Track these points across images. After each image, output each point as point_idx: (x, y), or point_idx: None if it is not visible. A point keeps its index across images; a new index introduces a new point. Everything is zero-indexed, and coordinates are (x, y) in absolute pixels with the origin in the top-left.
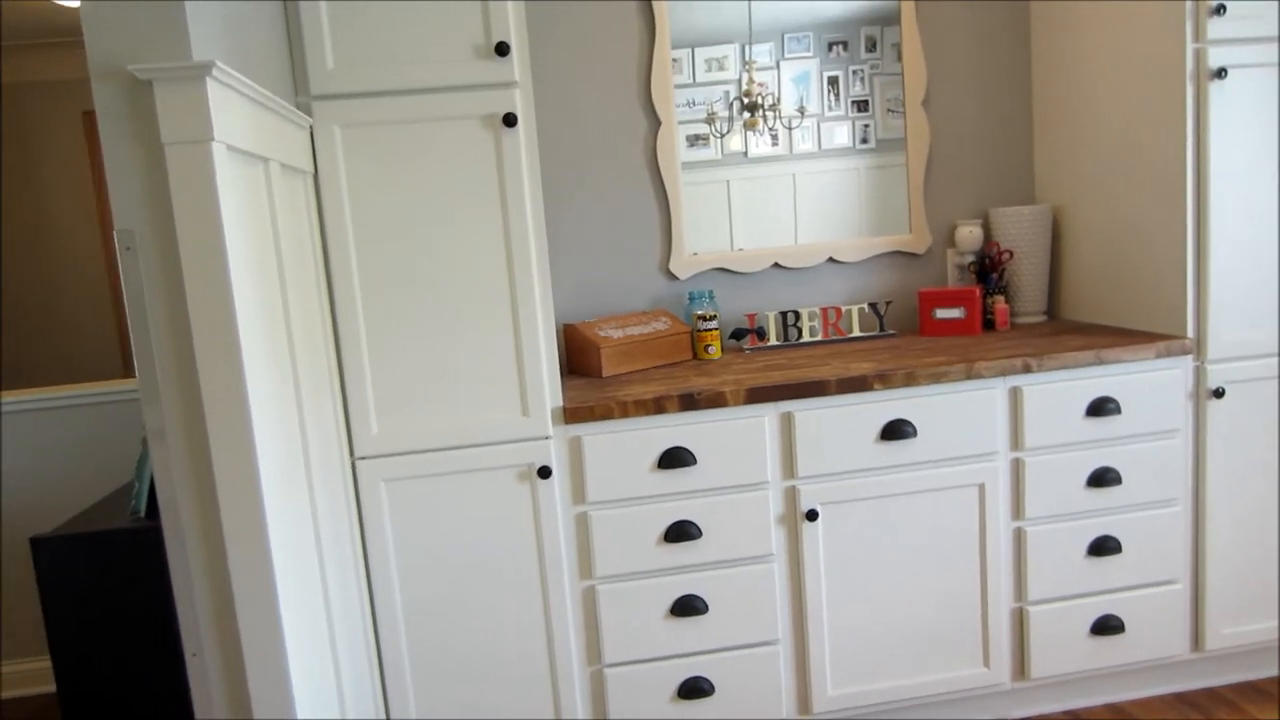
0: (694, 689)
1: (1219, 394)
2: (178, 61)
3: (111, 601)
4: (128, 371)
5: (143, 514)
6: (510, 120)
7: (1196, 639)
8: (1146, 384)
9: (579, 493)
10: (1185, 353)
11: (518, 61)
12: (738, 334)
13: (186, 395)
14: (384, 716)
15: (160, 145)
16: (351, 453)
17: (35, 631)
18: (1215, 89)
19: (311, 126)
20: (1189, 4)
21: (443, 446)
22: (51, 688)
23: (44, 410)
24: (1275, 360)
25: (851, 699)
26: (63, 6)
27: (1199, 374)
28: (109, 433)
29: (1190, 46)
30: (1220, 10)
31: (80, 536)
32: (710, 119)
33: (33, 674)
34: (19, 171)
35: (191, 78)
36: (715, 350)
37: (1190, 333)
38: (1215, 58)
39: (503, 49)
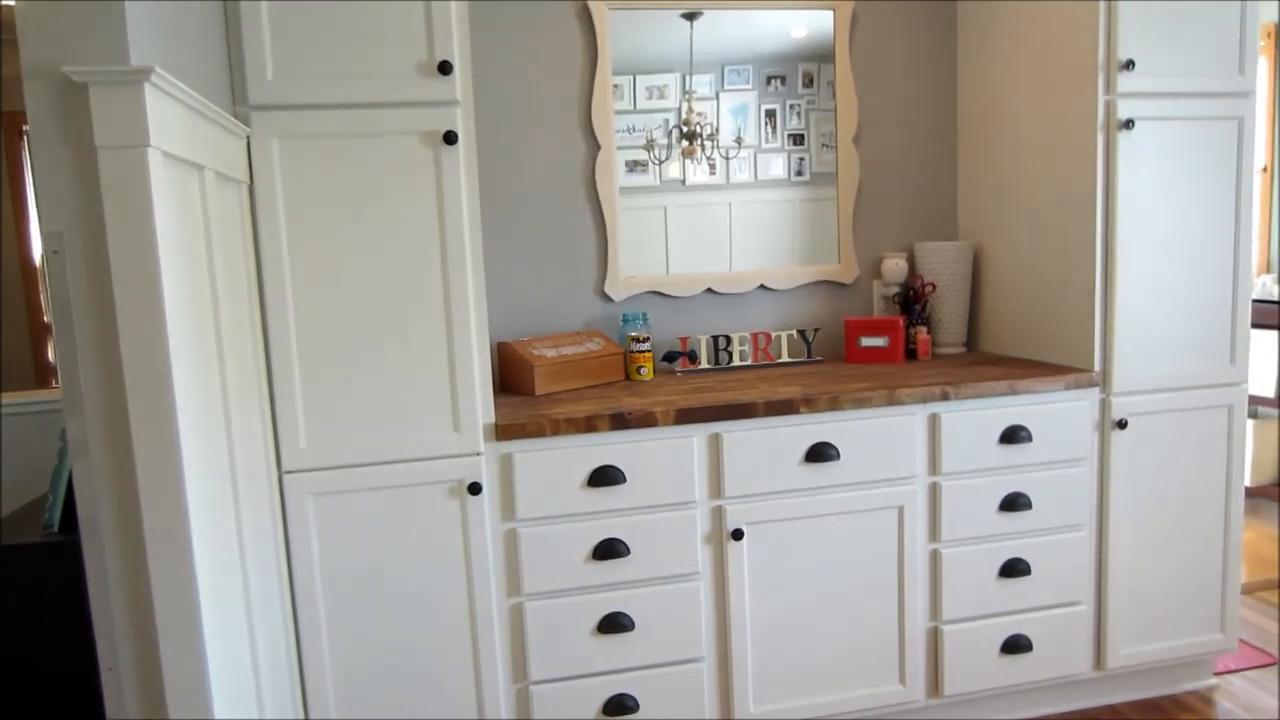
0: (619, 706)
1: (1122, 425)
2: (115, 65)
3: (22, 615)
4: (41, 382)
5: (56, 528)
6: (451, 138)
7: (1099, 658)
8: (1056, 414)
9: (508, 509)
10: (1092, 385)
11: (460, 80)
12: (670, 356)
13: (111, 406)
14: None
15: (93, 149)
16: (279, 466)
17: None
18: (1124, 139)
19: (249, 136)
20: (1102, 58)
21: (372, 461)
22: None
23: None
24: (1174, 394)
25: (773, 715)
26: None
27: (1104, 406)
28: (22, 445)
29: (1102, 98)
30: (1130, 65)
31: None
32: (649, 146)
33: None
34: None
35: (129, 82)
36: (647, 372)
37: (1097, 366)
38: (1124, 109)
39: (446, 68)
